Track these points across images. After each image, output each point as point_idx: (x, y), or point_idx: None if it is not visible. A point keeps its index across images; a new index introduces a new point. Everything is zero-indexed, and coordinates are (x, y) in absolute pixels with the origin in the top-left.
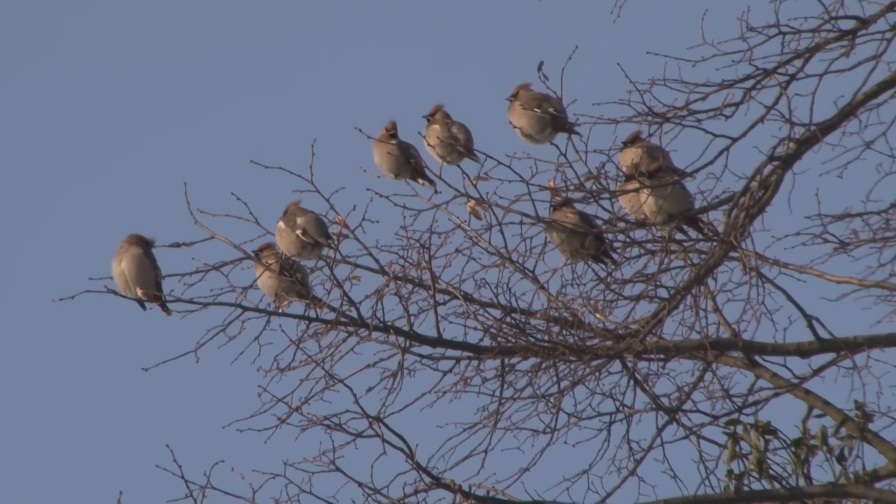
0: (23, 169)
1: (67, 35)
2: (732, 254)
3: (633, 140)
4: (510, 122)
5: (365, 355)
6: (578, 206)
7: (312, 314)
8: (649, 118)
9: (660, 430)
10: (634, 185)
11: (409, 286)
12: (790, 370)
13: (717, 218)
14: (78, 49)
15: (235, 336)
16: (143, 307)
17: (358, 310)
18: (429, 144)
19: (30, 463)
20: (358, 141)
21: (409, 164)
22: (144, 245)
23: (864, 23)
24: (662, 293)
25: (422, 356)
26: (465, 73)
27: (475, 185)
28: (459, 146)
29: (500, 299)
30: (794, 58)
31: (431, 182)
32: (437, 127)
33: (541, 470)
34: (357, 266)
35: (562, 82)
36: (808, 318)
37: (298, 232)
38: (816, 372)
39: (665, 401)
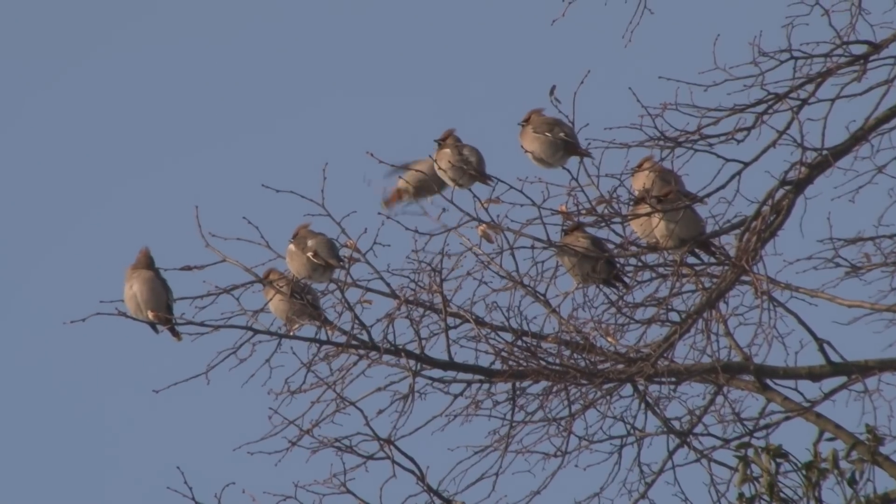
0: (34, 192)
1: (77, 60)
2: (744, 278)
3: (643, 164)
4: (522, 147)
5: (376, 378)
6: (590, 231)
7: (323, 337)
8: (661, 142)
9: (671, 454)
10: (646, 209)
11: (421, 310)
12: (801, 394)
13: (729, 242)
14: (88, 73)
15: (246, 359)
16: (155, 330)
17: (369, 333)
18: (440, 168)
19: (41, 485)
20: (370, 165)
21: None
22: (154, 267)
23: (876, 48)
24: (674, 317)
25: (433, 379)
26: (476, 98)
27: (486, 209)
28: (471, 169)
29: (512, 323)
30: (805, 82)
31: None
32: (448, 151)
33: (552, 493)
34: (368, 290)
35: (574, 106)
36: (820, 342)
37: (309, 254)
38: (828, 395)
39: (676, 424)
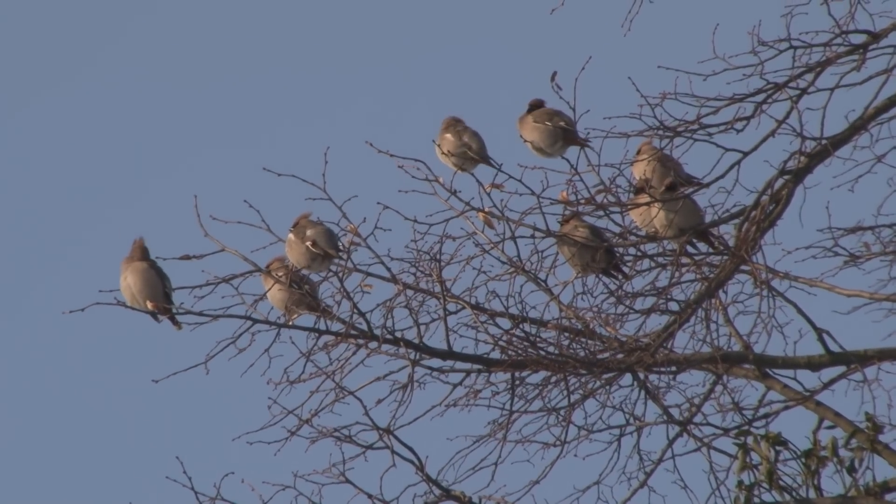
0: (36, 185)
1: (85, 58)
2: (743, 267)
3: (642, 147)
4: (521, 136)
5: (375, 367)
6: (589, 220)
7: (322, 326)
8: (660, 132)
9: (671, 442)
10: (646, 198)
11: (420, 297)
12: (801, 383)
13: (728, 231)
14: (95, 70)
15: (245, 348)
16: (156, 319)
17: (368, 322)
18: (443, 153)
19: (40, 474)
20: (370, 148)
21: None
22: (149, 258)
23: (875, 37)
24: (673, 306)
25: (432, 369)
26: (475, 86)
27: (488, 194)
28: (472, 153)
29: (512, 310)
30: (805, 72)
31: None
32: (450, 136)
33: (551, 482)
34: (368, 275)
35: (575, 94)
36: (819, 332)
37: (308, 244)
38: (827, 385)
39: (676, 413)
